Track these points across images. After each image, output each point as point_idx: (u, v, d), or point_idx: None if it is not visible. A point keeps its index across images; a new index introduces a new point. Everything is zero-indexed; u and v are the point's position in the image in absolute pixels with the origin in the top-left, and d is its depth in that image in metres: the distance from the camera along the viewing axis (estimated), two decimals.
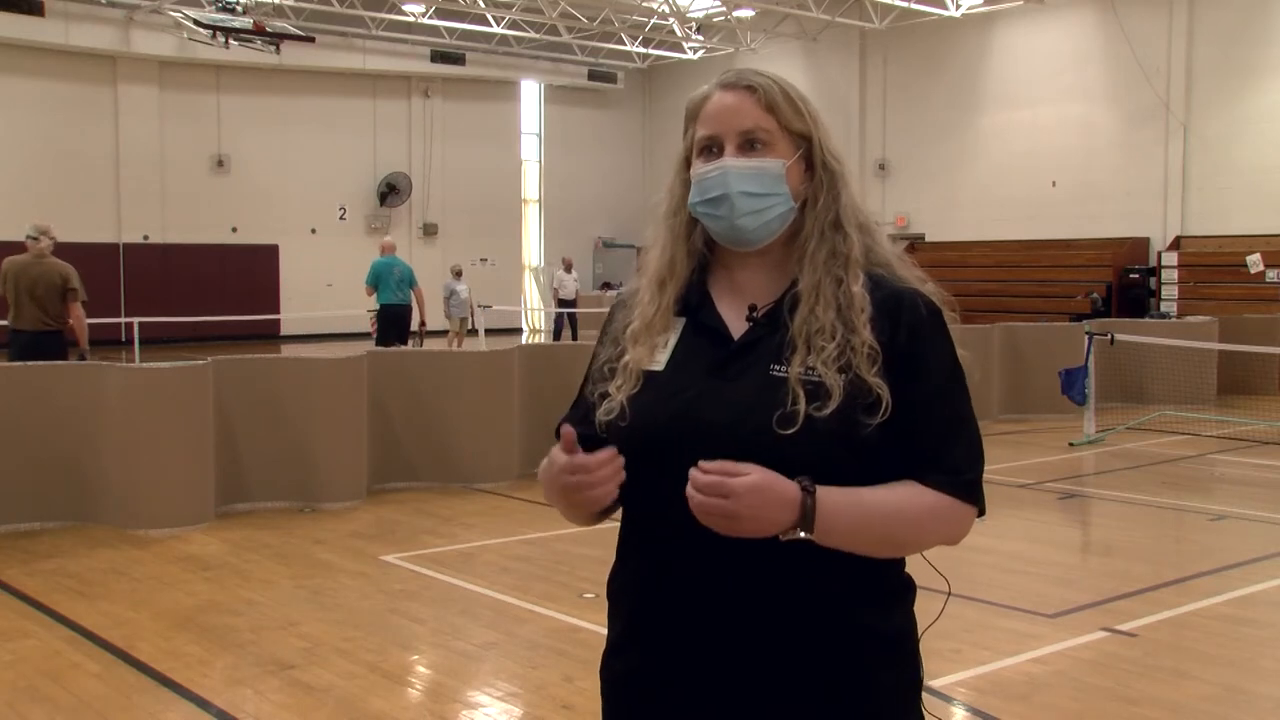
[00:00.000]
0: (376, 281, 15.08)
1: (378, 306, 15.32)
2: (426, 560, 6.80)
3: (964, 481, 1.70)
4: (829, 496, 1.61)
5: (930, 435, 1.70)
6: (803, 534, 1.60)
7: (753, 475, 1.57)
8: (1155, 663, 4.96)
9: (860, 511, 1.63)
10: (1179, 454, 10.59)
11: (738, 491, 1.56)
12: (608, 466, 1.65)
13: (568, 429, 1.69)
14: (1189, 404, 12.74)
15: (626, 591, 1.82)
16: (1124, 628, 5.42)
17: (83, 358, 9.33)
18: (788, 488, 1.59)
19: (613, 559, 1.87)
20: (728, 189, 1.73)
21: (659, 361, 1.77)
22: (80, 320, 9.61)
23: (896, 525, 1.67)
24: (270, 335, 25.92)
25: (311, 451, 8.12)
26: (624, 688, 1.81)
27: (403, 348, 14.40)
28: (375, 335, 15.39)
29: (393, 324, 15.05)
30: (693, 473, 1.58)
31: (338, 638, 5.35)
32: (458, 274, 20.58)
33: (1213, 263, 21.48)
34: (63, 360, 8.65)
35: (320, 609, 5.83)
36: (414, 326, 15.45)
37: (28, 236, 9.59)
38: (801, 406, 1.63)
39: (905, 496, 1.67)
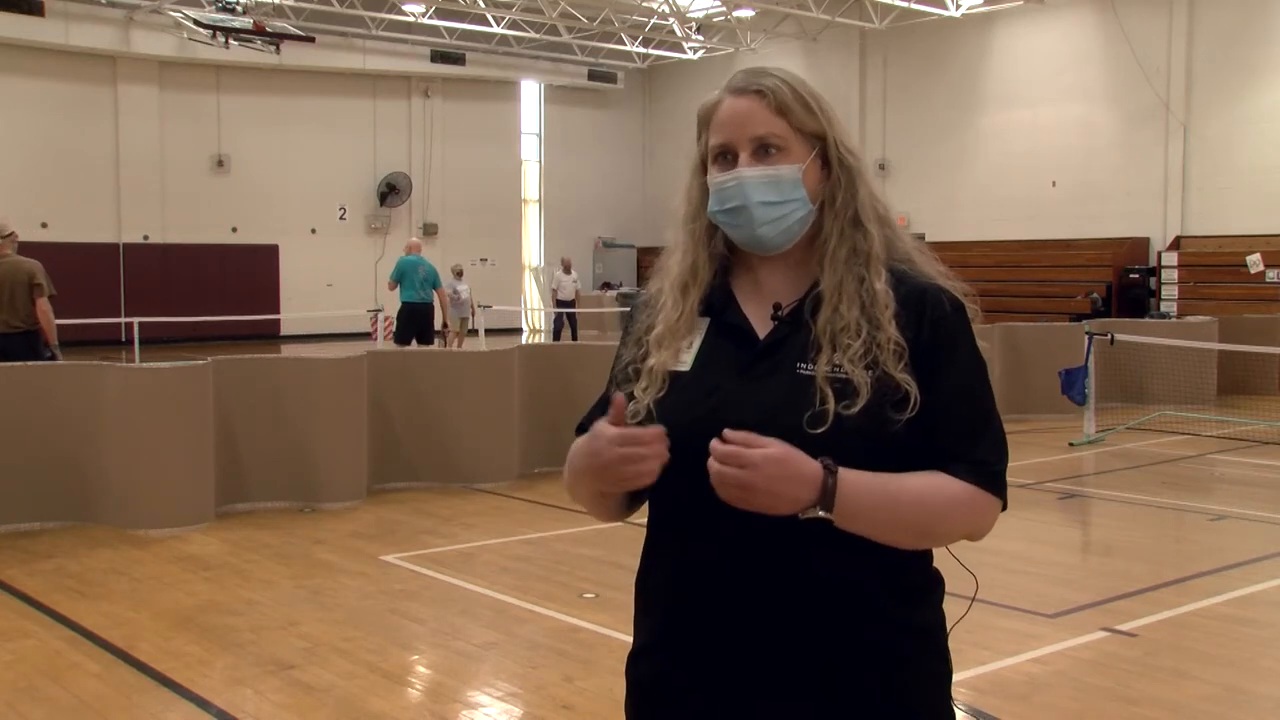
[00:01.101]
0: (400, 278, 15.10)
1: (399, 304, 15.34)
2: (426, 560, 6.79)
3: (990, 474, 1.71)
4: (851, 477, 1.61)
5: (956, 430, 1.70)
6: (821, 513, 1.60)
7: (772, 447, 1.57)
8: (1155, 663, 4.96)
9: (883, 495, 1.63)
10: (1179, 454, 10.59)
11: (755, 462, 1.56)
12: (659, 442, 1.62)
13: (619, 396, 1.66)
14: (1189, 404, 12.74)
15: (657, 593, 1.80)
16: (1124, 628, 5.42)
17: (53, 356, 9.09)
18: (808, 464, 1.59)
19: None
20: (746, 200, 1.73)
21: (684, 362, 1.77)
22: (46, 314, 9.19)
23: (920, 512, 1.67)
24: (270, 335, 25.91)
25: (311, 451, 8.12)
26: (651, 690, 1.80)
27: (429, 347, 14.47)
28: (394, 333, 15.43)
29: (414, 322, 15.05)
30: (714, 442, 1.58)
31: (338, 638, 5.35)
32: (459, 274, 20.61)
33: (1213, 263, 21.48)
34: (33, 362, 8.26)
35: (320, 609, 5.83)
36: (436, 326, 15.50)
37: None
38: (831, 405, 1.63)
39: (931, 484, 1.67)
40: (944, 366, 1.71)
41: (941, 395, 1.69)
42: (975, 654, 4.98)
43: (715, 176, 1.77)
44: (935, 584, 1.79)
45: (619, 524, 1.84)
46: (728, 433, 1.58)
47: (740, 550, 1.66)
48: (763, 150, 1.74)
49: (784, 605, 1.67)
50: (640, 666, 1.83)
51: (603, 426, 1.65)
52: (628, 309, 1.97)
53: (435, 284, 15.36)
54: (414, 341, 15.04)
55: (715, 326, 1.79)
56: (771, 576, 1.66)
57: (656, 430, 1.63)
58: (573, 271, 24.55)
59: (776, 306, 1.76)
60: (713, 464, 1.57)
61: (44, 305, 9.15)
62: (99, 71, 24.72)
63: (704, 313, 1.80)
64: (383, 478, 8.73)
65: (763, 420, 1.65)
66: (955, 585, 1.94)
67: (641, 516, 1.86)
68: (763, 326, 1.76)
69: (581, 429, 1.90)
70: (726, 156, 1.77)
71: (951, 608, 1.82)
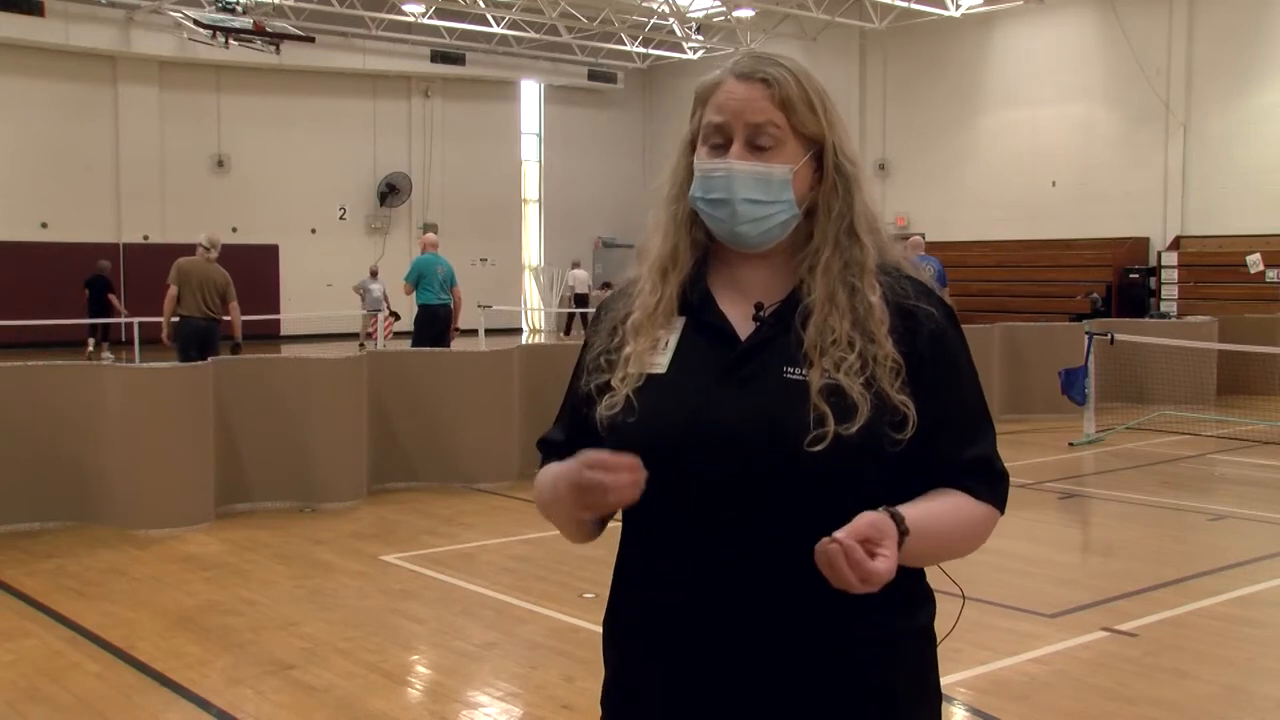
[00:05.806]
0: (418, 280, 14.28)
1: (415, 307, 14.63)
2: (426, 560, 6.79)
3: (1002, 491, 1.68)
4: (917, 525, 1.54)
5: (960, 444, 1.65)
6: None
7: (881, 560, 1.46)
8: (1155, 663, 4.96)
9: (934, 535, 1.58)
10: (1179, 454, 10.59)
11: (858, 559, 1.45)
12: (631, 472, 1.51)
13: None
14: (1189, 404, 12.73)
15: (632, 613, 1.72)
16: (1124, 628, 5.42)
17: (236, 345, 11.54)
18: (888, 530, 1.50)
19: (613, 559, 1.80)
20: (731, 194, 1.64)
21: (660, 364, 1.66)
22: (237, 313, 11.66)
23: (956, 540, 1.64)
24: (270, 335, 25.90)
25: (311, 451, 8.12)
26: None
27: (441, 349, 13.92)
28: (412, 338, 14.66)
29: (432, 326, 14.15)
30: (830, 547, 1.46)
31: (338, 638, 5.35)
32: (374, 274, 20.46)
33: (1213, 263, 21.50)
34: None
35: (320, 609, 5.83)
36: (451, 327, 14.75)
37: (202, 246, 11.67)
38: (830, 426, 1.54)
39: (960, 511, 1.63)
40: (948, 381, 1.65)
41: (944, 410, 1.63)
42: (975, 654, 4.98)
43: (704, 160, 1.67)
44: (926, 599, 1.72)
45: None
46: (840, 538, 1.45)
47: (719, 557, 1.58)
48: (757, 141, 1.65)
49: (766, 622, 1.58)
50: (615, 700, 1.73)
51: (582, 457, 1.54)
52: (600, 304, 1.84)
53: (453, 283, 14.67)
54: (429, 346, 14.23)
55: (692, 326, 1.68)
56: (752, 590, 1.57)
57: (629, 459, 1.51)
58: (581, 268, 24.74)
59: (759, 306, 1.66)
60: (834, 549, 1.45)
61: (235, 306, 11.50)
62: (99, 71, 24.73)
63: (680, 311, 1.69)
64: (383, 478, 8.73)
65: (753, 429, 1.57)
66: (943, 599, 1.93)
67: None
68: (743, 327, 1.66)
69: (544, 444, 1.81)
70: (719, 141, 1.67)
71: (940, 621, 1.78)
